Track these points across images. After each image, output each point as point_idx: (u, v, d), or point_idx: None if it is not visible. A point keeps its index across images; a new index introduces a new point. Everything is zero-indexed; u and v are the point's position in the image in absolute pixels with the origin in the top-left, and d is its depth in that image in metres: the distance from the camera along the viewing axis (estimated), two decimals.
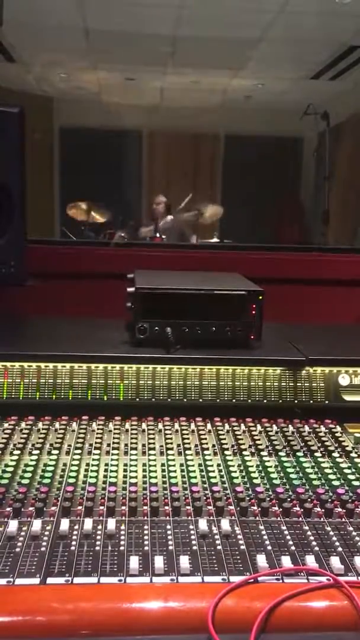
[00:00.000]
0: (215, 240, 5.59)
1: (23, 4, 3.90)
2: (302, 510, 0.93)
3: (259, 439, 1.16)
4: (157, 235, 5.33)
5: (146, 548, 0.83)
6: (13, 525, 0.86)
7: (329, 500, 0.95)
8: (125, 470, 1.03)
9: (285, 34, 4.99)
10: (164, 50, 5.27)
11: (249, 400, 1.28)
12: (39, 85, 6.35)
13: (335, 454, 1.12)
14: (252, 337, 1.32)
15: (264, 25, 4.82)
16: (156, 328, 1.29)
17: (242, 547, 0.84)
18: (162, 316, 1.29)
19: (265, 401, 1.28)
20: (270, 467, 1.06)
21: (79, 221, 5.66)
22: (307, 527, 0.90)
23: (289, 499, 0.96)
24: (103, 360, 1.26)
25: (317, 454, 1.11)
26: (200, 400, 1.27)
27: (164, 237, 5.37)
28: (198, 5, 4.44)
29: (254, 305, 1.30)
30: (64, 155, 7.13)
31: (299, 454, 1.11)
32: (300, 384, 1.29)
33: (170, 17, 4.60)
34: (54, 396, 1.26)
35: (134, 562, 0.79)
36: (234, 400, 1.28)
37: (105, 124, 6.80)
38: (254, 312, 1.31)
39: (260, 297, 1.31)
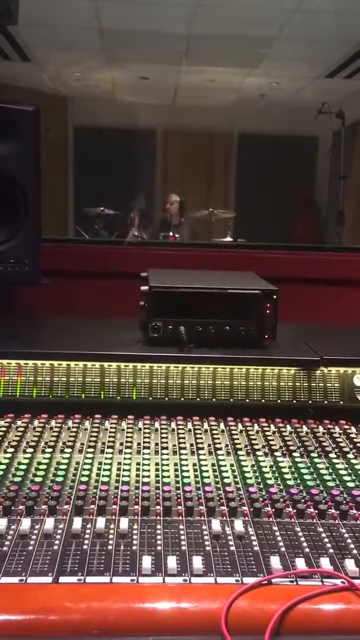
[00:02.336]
0: (228, 239, 5.58)
1: (38, 3, 3.92)
2: (316, 511, 0.92)
3: (272, 439, 1.15)
4: (171, 234, 5.34)
5: (159, 548, 0.82)
6: (26, 523, 0.86)
7: (344, 501, 0.94)
8: (138, 469, 1.03)
9: (300, 32, 4.97)
10: (178, 48, 5.27)
11: (263, 400, 1.27)
12: (53, 84, 6.38)
13: (350, 455, 1.10)
14: (266, 336, 1.31)
15: (279, 24, 4.80)
16: (170, 327, 1.28)
17: (256, 548, 0.84)
18: (175, 315, 1.29)
19: (279, 401, 1.27)
20: (284, 467, 1.05)
21: (93, 218, 5.69)
22: (321, 529, 0.89)
23: (303, 500, 0.95)
24: (116, 359, 1.26)
25: (332, 455, 1.10)
26: (214, 399, 1.27)
27: (177, 235, 5.38)
28: (213, 4, 4.43)
29: (268, 305, 1.30)
30: (78, 154, 7.16)
31: (313, 454, 1.10)
32: (314, 384, 1.27)
33: (185, 15, 4.60)
34: (67, 395, 1.26)
35: (147, 562, 0.79)
36: (247, 400, 1.27)
37: (120, 122, 6.82)
38: (268, 311, 1.30)
39: (275, 297, 1.30)
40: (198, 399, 1.26)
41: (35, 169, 1.60)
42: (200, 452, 1.10)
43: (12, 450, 1.08)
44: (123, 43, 5.19)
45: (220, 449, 1.11)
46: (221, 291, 1.30)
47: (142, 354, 1.26)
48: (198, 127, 7.00)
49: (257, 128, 6.98)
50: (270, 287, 1.33)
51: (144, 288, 1.31)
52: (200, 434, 1.17)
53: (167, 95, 6.64)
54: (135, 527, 0.87)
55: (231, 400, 1.27)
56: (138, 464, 1.05)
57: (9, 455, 1.06)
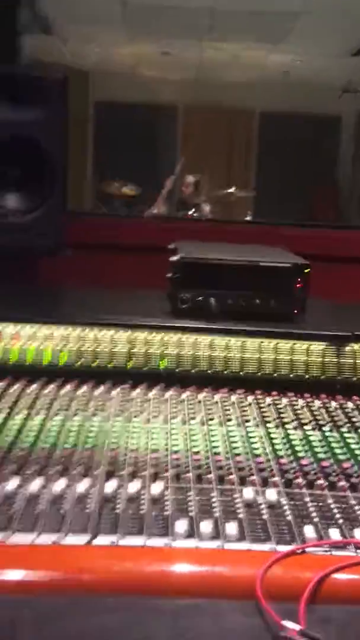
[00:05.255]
0: (248, 219, 5.54)
1: None
2: (348, 484, 0.91)
3: (301, 413, 1.14)
4: (189, 213, 5.32)
5: (191, 513, 0.82)
6: (60, 484, 0.86)
7: None
8: (166, 438, 1.03)
9: (327, 7, 4.85)
10: (202, 23, 5.17)
11: (291, 375, 1.26)
12: (74, 59, 6.30)
13: None
14: (296, 311, 1.29)
15: None
16: (199, 298, 1.27)
17: (289, 517, 0.83)
18: (205, 287, 1.28)
19: (307, 376, 1.26)
20: (315, 441, 1.05)
21: (111, 196, 5.66)
22: (354, 501, 0.88)
23: (334, 473, 0.94)
24: (144, 328, 1.25)
25: None
26: (242, 373, 1.26)
27: (195, 215, 5.35)
28: None
29: (299, 279, 1.28)
30: (98, 130, 7.11)
31: (343, 429, 1.09)
32: (343, 360, 1.26)
33: None
34: (94, 364, 1.25)
35: (181, 525, 0.79)
36: (275, 375, 1.26)
37: (141, 98, 6.74)
38: (299, 285, 1.28)
39: (306, 271, 1.29)
40: (226, 372, 1.26)
41: (61, 138, 1.59)
42: (229, 423, 1.09)
43: (42, 416, 1.08)
44: (146, 17, 5.09)
45: (249, 421, 1.11)
46: (253, 264, 1.28)
47: (170, 324, 1.25)
48: (220, 104, 6.90)
49: (280, 106, 6.87)
50: (301, 260, 1.31)
51: (174, 258, 1.30)
52: (228, 406, 1.16)
53: (189, 71, 6.54)
54: (167, 492, 0.87)
55: (259, 373, 1.26)
56: (166, 433, 1.05)
57: (39, 420, 1.06)
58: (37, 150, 1.52)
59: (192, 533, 0.78)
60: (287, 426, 1.09)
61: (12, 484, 0.86)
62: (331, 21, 5.15)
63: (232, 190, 5.84)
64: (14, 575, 0.71)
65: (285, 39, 5.57)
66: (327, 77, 6.22)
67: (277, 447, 1.02)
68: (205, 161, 7.15)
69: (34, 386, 1.20)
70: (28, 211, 1.55)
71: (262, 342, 1.27)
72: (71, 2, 4.57)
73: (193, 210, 5.31)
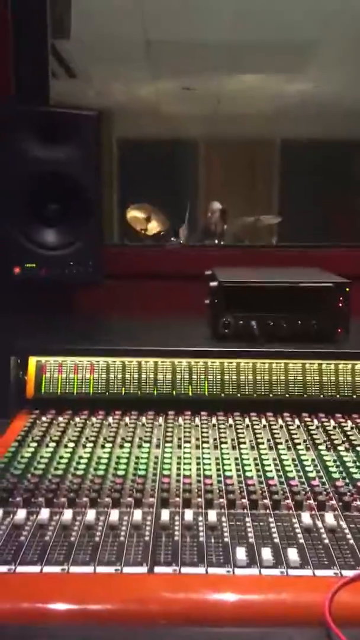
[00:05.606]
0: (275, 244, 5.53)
1: (83, 18, 3.99)
2: None
3: (352, 434, 1.12)
4: (215, 242, 5.33)
5: (251, 540, 0.81)
6: (114, 514, 0.85)
7: None
8: (218, 464, 1.02)
9: (345, 34, 4.91)
10: (222, 57, 5.29)
11: (337, 396, 1.24)
12: (98, 99, 6.49)
13: None
14: (339, 330, 1.28)
15: (323, 26, 4.76)
16: (240, 322, 1.27)
17: (351, 541, 0.81)
18: (246, 310, 1.27)
19: (354, 397, 1.24)
20: None
21: (136, 231, 5.73)
22: None
23: None
24: (188, 355, 1.25)
25: None
26: (287, 395, 1.24)
27: (222, 243, 5.37)
28: (256, 9, 4.43)
29: (341, 297, 1.27)
30: (121, 166, 7.26)
31: None
32: None
33: (228, 23, 4.61)
34: (139, 392, 1.25)
35: (241, 553, 0.77)
36: (321, 396, 1.24)
37: (163, 134, 6.88)
38: (341, 304, 1.27)
39: (347, 289, 1.28)
40: (271, 395, 1.24)
41: (97, 173, 1.62)
42: (280, 446, 1.08)
43: (91, 445, 1.08)
44: (168, 55, 5.23)
45: (299, 444, 1.09)
46: (293, 285, 1.28)
47: (215, 349, 1.25)
48: (241, 135, 7.00)
49: (300, 133, 6.93)
50: (342, 279, 1.30)
51: (214, 283, 1.30)
52: (276, 429, 1.15)
53: (210, 104, 6.67)
54: (223, 519, 0.85)
55: (305, 395, 1.24)
56: (217, 458, 1.04)
57: (88, 449, 1.06)
58: (74, 186, 1.55)
59: (252, 560, 0.77)
60: (338, 448, 1.07)
61: (67, 514, 0.86)
62: (349, 47, 5.21)
63: (258, 217, 5.87)
64: (75, 604, 0.70)
65: (304, 67, 5.65)
66: (347, 103, 6.27)
67: (330, 469, 0.99)
68: (228, 192, 7.22)
69: (80, 417, 1.20)
70: (67, 245, 1.58)
71: (305, 363, 1.26)
72: (96, 43, 4.73)
73: (217, 239, 5.33)
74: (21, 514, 0.85)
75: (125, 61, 5.43)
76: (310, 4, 4.44)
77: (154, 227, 5.86)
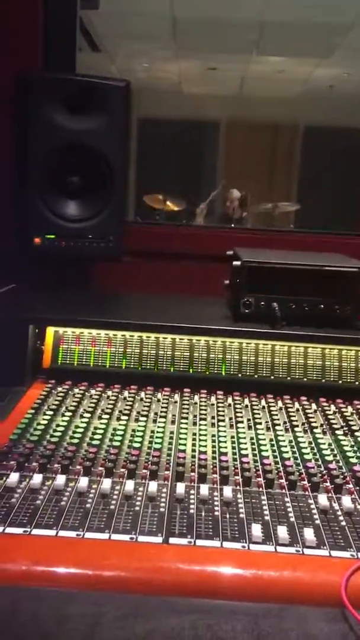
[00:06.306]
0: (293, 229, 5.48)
1: None
2: None
3: None
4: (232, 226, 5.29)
5: (266, 518, 0.80)
6: (130, 485, 0.85)
7: None
8: (233, 442, 1.01)
9: None
10: (249, 37, 5.20)
11: (357, 382, 1.23)
12: (120, 76, 6.41)
13: None
14: None
15: (355, 11, 4.66)
16: (262, 303, 1.26)
17: None
18: (268, 291, 1.26)
19: None
20: None
21: (154, 209, 5.70)
22: None
23: None
24: (207, 333, 1.24)
25: None
26: (305, 379, 1.23)
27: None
28: None
29: None
30: (141, 145, 7.19)
31: None
32: None
33: (259, 2, 4.52)
34: (155, 368, 1.25)
35: (257, 529, 0.77)
36: (340, 382, 1.23)
37: (184, 114, 6.80)
38: None
39: None
40: (288, 378, 1.24)
41: (122, 146, 1.60)
42: (296, 429, 1.07)
43: (106, 417, 1.08)
44: (194, 32, 5.15)
45: (316, 427, 1.08)
46: (317, 268, 1.26)
47: (234, 329, 1.24)
48: (264, 118, 6.91)
49: (325, 120, 6.82)
50: None
51: (236, 263, 1.29)
52: (293, 412, 1.14)
53: (234, 86, 6.58)
54: (239, 496, 0.85)
55: (323, 380, 1.23)
56: (233, 437, 1.03)
57: (104, 421, 1.06)
58: (98, 158, 1.53)
59: (268, 537, 0.76)
60: (356, 434, 1.06)
61: (83, 482, 0.86)
62: None
63: (276, 204, 5.81)
64: (89, 569, 0.70)
65: (333, 52, 5.55)
66: None
67: (348, 454, 0.98)
68: (248, 176, 7.15)
69: (96, 389, 1.20)
70: (89, 218, 1.56)
71: (324, 348, 1.24)
72: (123, 19, 4.66)
73: (233, 225, 5.30)
74: (37, 478, 0.86)
75: (150, 38, 5.36)
76: None
77: (171, 206, 5.82)
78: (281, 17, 4.69)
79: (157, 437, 1.00)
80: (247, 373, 1.24)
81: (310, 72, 6.24)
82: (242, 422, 1.09)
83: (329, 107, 6.68)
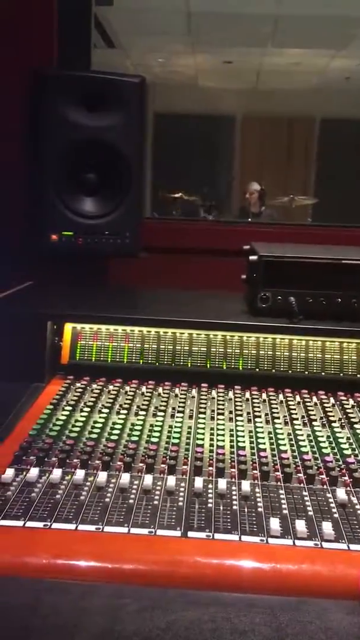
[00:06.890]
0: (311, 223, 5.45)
1: None
2: None
3: None
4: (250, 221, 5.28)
5: (285, 512, 0.80)
6: (148, 479, 0.86)
7: None
8: (251, 437, 1.01)
9: None
10: (264, 30, 5.16)
11: None
12: (136, 71, 6.42)
13: None
14: None
15: None
16: (279, 297, 1.25)
17: None
18: (285, 285, 1.25)
19: None
20: None
21: (173, 200, 5.70)
22: None
23: None
24: (224, 328, 1.24)
25: None
26: (323, 373, 1.23)
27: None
28: None
29: None
30: (156, 139, 7.19)
31: None
32: None
33: None
34: (173, 363, 1.25)
35: (275, 523, 0.77)
36: (358, 376, 1.22)
37: (200, 108, 6.78)
38: None
39: None
40: (306, 372, 1.23)
41: (139, 142, 1.60)
42: (314, 423, 1.07)
43: (124, 412, 1.09)
44: (209, 26, 5.12)
45: (334, 421, 1.08)
46: (334, 261, 1.25)
47: (251, 324, 1.23)
48: (280, 111, 6.86)
49: (342, 112, 6.75)
50: None
51: (253, 257, 1.28)
52: (311, 406, 1.14)
53: (250, 79, 6.53)
54: (257, 490, 0.85)
55: (341, 374, 1.23)
56: (251, 431, 1.03)
57: (122, 416, 1.07)
58: (115, 155, 1.54)
59: (286, 531, 0.77)
60: None
61: (102, 477, 0.87)
62: None
63: (293, 197, 5.78)
64: (109, 562, 0.71)
65: (349, 44, 5.48)
66: None
67: None
68: (264, 170, 7.11)
69: (114, 385, 1.21)
70: (105, 215, 1.57)
71: (342, 342, 1.24)
72: (137, 14, 4.65)
73: (250, 219, 5.29)
74: (57, 473, 0.87)
75: (165, 33, 5.34)
76: None
77: (185, 197, 5.81)
78: (296, 9, 4.64)
79: (175, 432, 1.01)
80: (265, 368, 1.24)
81: (326, 64, 6.17)
82: (259, 416, 1.09)
83: (345, 99, 6.60)
